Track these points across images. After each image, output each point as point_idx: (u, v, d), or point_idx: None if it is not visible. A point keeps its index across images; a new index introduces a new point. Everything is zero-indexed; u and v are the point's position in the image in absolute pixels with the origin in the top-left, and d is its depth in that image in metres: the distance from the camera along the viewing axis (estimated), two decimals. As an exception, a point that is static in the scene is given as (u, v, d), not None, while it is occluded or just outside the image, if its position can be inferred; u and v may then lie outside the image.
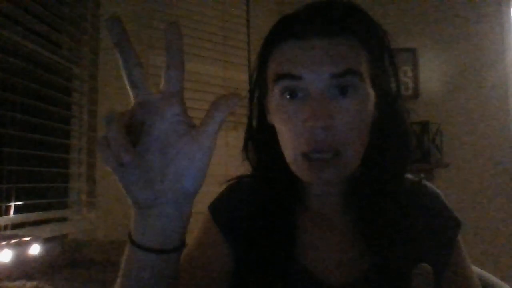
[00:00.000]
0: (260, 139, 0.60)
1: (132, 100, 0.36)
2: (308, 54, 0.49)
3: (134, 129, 0.35)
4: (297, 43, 0.50)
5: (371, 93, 0.51)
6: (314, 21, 0.50)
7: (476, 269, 0.67)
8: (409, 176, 0.59)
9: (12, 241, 1.10)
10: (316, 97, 0.48)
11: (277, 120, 0.53)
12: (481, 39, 2.41)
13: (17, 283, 0.98)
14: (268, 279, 0.52)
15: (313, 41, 0.49)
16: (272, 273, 0.52)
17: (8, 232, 1.13)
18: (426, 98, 2.43)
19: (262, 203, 0.57)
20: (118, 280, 0.40)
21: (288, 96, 0.50)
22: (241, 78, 2.16)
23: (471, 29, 2.43)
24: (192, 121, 0.36)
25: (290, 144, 0.51)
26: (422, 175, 0.59)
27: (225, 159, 1.98)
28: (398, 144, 0.54)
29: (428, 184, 0.60)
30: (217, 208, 0.60)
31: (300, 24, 0.51)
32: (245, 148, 0.60)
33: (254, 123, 0.60)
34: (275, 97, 0.52)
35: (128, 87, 0.36)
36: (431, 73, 2.47)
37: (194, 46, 2.01)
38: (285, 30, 0.52)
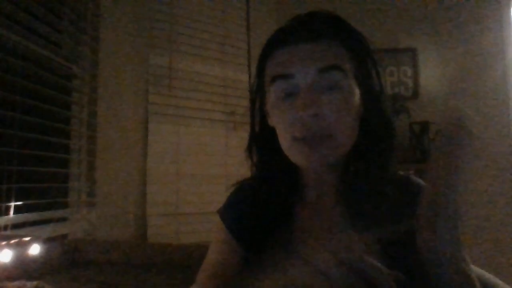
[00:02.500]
0: (262, 141, 0.66)
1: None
2: (297, 56, 0.56)
3: None
4: (287, 49, 0.58)
5: (355, 89, 0.57)
6: (300, 29, 0.58)
7: (476, 269, 0.67)
8: (400, 172, 0.63)
9: (12, 241, 1.10)
10: (306, 91, 0.55)
11: (274, 116, 0.60)
12: (481, 39, 2.41)
13: (17, 283, 0.98)
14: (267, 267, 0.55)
15: (300, 46, 0.57)
16: (271, 260, 0.55)
17: (8, 232, 1.13)
18: (426, 98, 2.43)
19: (263, 199, 0.63)
20: None
21: (283, 95, 0.57)
22: (241, 78, 2.15)
23: (471, 29, 2.43)
24: None
25: (285, 134, 0.58)
26: (411, 172, 0.62)
27: (225, 159, 1.99)
28: (382, 138, 0.60)
29: (414, 177, 0.63)
30: (225, 213, 0.67)
31: (289, 33, 0.59)
32: (249, 150, 0.67)
33: (257, 127, 0.67)
34: (271, 97, 0.59)
35: None
36: (431, 73, 2.47)
37: (194, 46, 2.01)
38: (277, 40, 0.60)
